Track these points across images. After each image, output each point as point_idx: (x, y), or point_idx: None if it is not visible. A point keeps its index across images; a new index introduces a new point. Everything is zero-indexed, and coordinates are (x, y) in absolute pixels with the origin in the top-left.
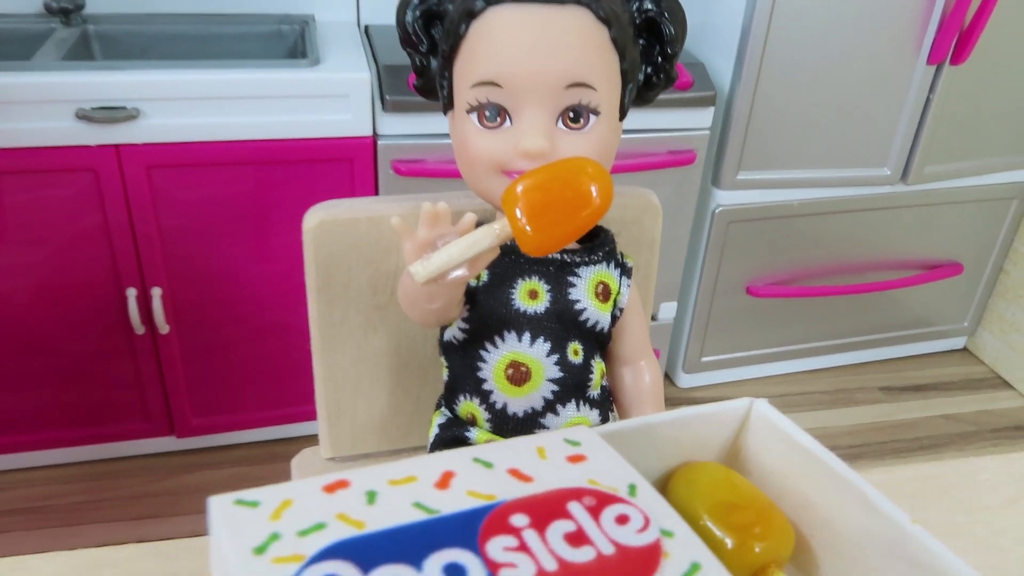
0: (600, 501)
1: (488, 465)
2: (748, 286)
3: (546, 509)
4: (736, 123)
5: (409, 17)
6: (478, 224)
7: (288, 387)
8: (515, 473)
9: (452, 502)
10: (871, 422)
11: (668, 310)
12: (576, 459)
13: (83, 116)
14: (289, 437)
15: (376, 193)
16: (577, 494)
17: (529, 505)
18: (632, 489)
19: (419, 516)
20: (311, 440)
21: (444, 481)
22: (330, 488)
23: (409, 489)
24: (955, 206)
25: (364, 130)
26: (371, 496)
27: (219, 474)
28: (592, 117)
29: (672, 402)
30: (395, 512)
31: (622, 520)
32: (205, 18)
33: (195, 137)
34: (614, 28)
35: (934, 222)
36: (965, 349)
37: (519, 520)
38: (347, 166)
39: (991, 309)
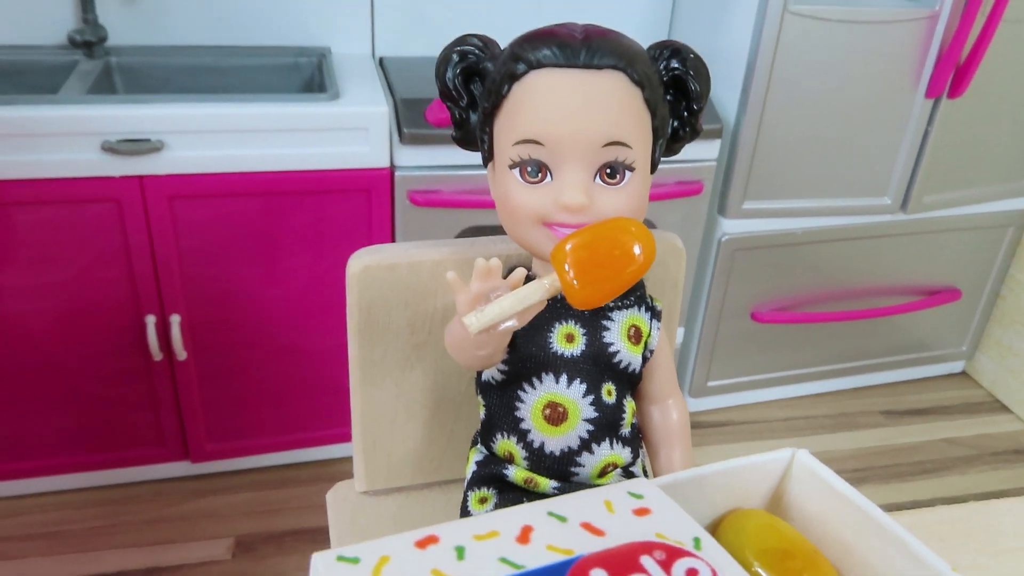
0: (670, 555)
1: (562, 519)
2: (753, 312)
3: (621, 563)
4: (742, 154)
5: (449, 74)
6: (510, 270)
7: (303, 413)
8: (588, 527)
9: (535, 557)
10: (874, 446)
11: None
12: (642, 512)
13: (108, 148)
14: (304, 462)
15: (392, 223)
16: (648, 548)
17: (606, 560)
18: (697, 543)
19: (506, 571)
20: (325, 465)
21: (524, 536)
22: (422, 544)
23: (494, 544)
24: (953, 234)
25: (381, 161)
26: (460, 552)
27: (234, 499)
28: (628, 173)
29: None
30: (484, 567)
31: (692, 574)
32: (224, 50)
33: (217, 168)
34: (647, 89)
35: (933, 249)
36: (963, 373)
37: (599, 574)
38: (364, 196)
39: (988, 334)
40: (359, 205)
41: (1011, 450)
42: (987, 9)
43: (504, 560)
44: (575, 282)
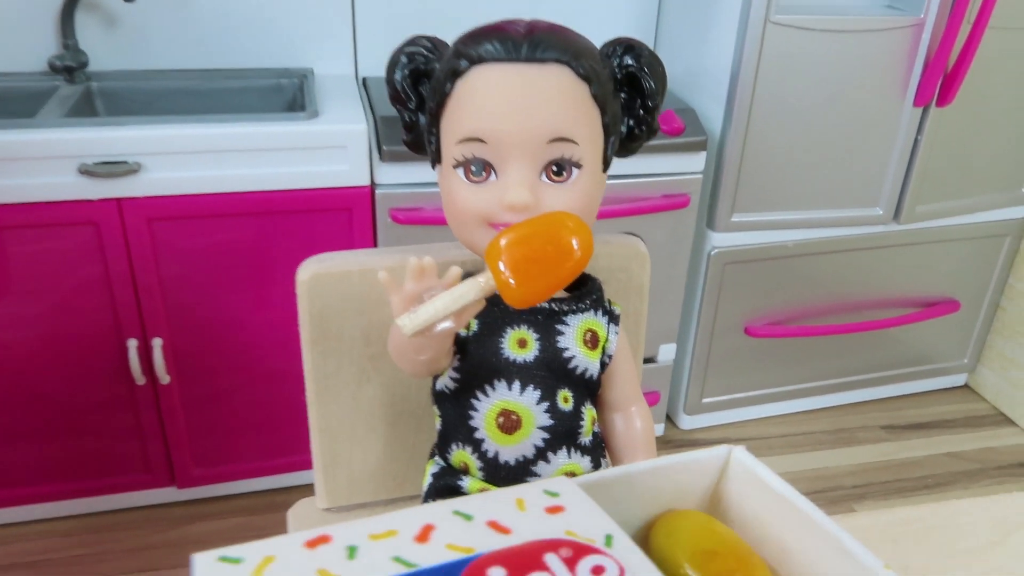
0: (576, 552)
1: (468, 517)
2: (746, 327)
3: (523, 561)
4: (728, 166)
5: (398, 76)
6: (465, 276)
7: (289, 435)
8: (494, 525)
9: (431, 555)
10: (874, 461)
11: (667, 352)
12: (554, 510)
13: (85, 171)
14: (292, 486)
15: (375, 241)
16: (554, 545)
17: (506, 557)
18: (608, 540)
19: (398, 570)
20: (313, 489)
21: (424, 535)
22: (312, 543)
23: (389, 543)
24: (949, 244)
25: (362, 180)
26: (352, 551)
27: (221, 524)
28: (575, 170)
29: (674, 444)
30: (375, 567)
31: (598, 571)
32: (206, 74)
33: (195, 189)
34: (594, 84)
35: (929, 260)
36: (966, 386)
37: (496, 573)
38: (346, 215)
39: (990, 346)
40: (341, 224)
41: (1016, 464)
42: (972, 16)
43: (398, 559)
44: (511, 280)
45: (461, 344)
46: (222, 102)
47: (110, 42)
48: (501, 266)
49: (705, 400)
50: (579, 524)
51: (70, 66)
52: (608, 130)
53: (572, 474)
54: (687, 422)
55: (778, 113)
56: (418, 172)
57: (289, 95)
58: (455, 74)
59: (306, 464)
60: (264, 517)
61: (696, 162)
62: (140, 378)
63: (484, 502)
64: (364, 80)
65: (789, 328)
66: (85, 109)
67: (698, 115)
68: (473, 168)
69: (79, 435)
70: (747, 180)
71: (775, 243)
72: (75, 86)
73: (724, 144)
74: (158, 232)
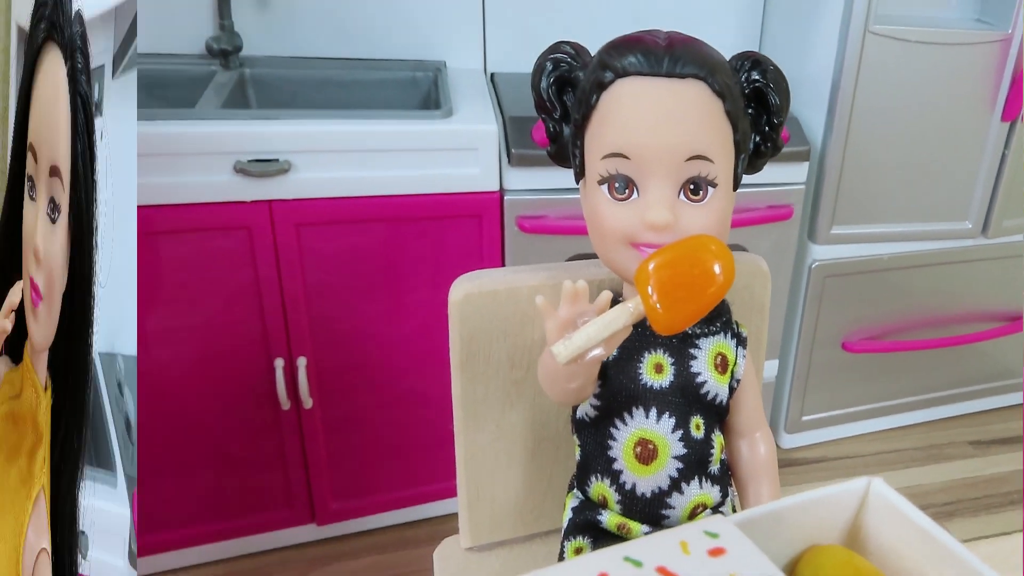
0: None
1: (638, 564)
2: (844, 342)
3: None
4: (829, 177)
5: (543, 84)
6: (612, 300)
7: (421, 463)
8: (663, 572)
9: None
10: (963, 478)
11: (769, 368)
12: (716, 552)
13: (240, 169)
14: (422, 519)
15: (502, 251)
16: None
17: None
18: None
19: None
20: (443, 521)
21: None
22: None
23: None
24: None
25: (491, 184)
26: None
27: (357, 564)
28: (710, 189)
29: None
30: None
31: None
32: (347, 63)
33: (337, 192)
34: (728, 101)
35: (1018, 274)
36: None
37: None
38: (476, 222)
39: None
40: (470, 232)
41: None
42: None
43: None
44: (658, 305)
45: (602, 370)
46: (362, 95)
47: (261, 24)
48: (649, 290)
49: (805, 418)
50: (743, 567)
51: (225, 49)
52: (739, 147)
53: (703, 505)
54: (787, 441)
55: (876, 123)
56: (543, 178)
57: (424, 89)
58: (600, 86)
59: (439, 494)
60: (397, 554)
61: (799, 173)
62: (285, 402)
63: (650, 547)
64: (492, 75)
65: (883, 343)
66: (239, 99)
67: (800, 124)
68: (617, 185)
69: (227, 468)
70: (847, 192)
71: (871, 256)
72: (230, 72)
73: (825, 154)
74: (304, 238)
